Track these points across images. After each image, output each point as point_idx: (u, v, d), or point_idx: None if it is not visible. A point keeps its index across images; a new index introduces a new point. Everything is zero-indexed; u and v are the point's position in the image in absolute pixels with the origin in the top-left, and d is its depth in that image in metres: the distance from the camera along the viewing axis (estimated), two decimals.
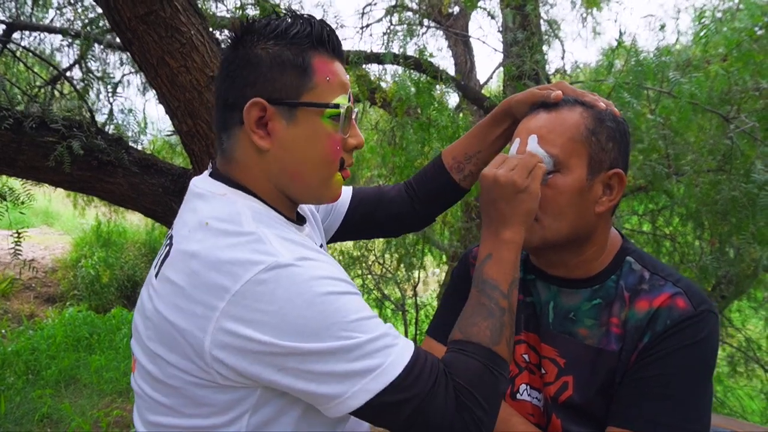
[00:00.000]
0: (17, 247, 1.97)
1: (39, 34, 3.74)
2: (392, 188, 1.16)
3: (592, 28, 5.04)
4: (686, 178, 2.83)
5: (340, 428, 0.80)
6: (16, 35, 3.27)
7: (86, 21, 3.38)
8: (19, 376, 4.13)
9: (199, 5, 2.29)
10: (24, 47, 3.34)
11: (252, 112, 0.74)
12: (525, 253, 1.01)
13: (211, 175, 0.81)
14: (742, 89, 2.71)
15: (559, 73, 4.03)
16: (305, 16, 0.78)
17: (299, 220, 0.87)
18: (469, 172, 1.10)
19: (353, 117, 0.82)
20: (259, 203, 0.77)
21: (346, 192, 1.12)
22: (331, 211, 1.09)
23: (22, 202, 2.08)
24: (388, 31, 4.08)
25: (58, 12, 3.69)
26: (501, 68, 4.27)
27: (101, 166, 2.15)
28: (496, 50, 5.41)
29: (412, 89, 3.05)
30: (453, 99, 4.49)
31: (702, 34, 3.02)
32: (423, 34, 4.45)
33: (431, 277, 5.91)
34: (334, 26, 0.82)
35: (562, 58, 4.50)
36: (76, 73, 3.69)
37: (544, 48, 3.96)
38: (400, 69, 3.70)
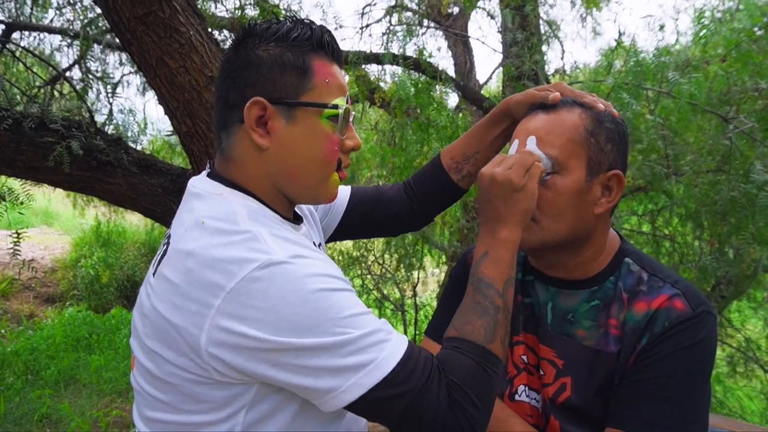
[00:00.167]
0: (16, 248, 1.97)
1: (38, 35, 3.75)
2: (391, 188, 1.16)
3: (592, 29, 5.04)
4: (685, 179, 2.83)
5: (336, 425, 0.80)
6: (15, 35, 3.27)
7: (85, 21, 3.38)
8: (18, 376, 4.13)
9: (198, 5, 2.29)
10: (23, 47, 3.34)
11: (252, 110, 0.76)
12: (524, 254, 1.01)
13: (208, 175, 0.82)
14: (741, 90, 2.71)
15: (558, 74, 4.03)
16: (306, 20, 0.80)
17: (296, 220, 0.88)
18: (468, 172, 1.10)
19: (351, 119, 0.84)
20: (255, 202, 0.78)
21: (345, 191, 1.13)
22: (330, 211, 1.10)
23: (21, 203, 2.08)
24: (388, 31, 4.08)
25: (57, 12, 3.70)
26: (500, 68, 4.27)
27: (100, 166, 2.15)
28: (495, 50, 5.42)
29: (411, 89, 3.05)
30: (452, 99, 4.50)
31: (701, 34, 3.03)
32: (422, 34, 4.44)
33: (431, 278, 5.91)
34: (333, 27, 0.84)
35: (562, 58, 4.49)
36: (76, 74, 3.69)
37: (544, 48, 3.96)
38: (399, 69, 3.70)
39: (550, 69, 4.06)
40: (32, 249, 7.43)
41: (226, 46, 2.27)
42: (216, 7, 3.01)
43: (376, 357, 0.68)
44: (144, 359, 0.74)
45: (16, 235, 1.98)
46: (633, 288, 0.86)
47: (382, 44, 3.90)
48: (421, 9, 4.61)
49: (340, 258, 4.58)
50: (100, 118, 3.20)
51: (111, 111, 3.27)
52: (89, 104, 3.53)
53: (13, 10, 3.29)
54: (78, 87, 3.11)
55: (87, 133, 2.13)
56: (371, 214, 1.13)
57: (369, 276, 4.65)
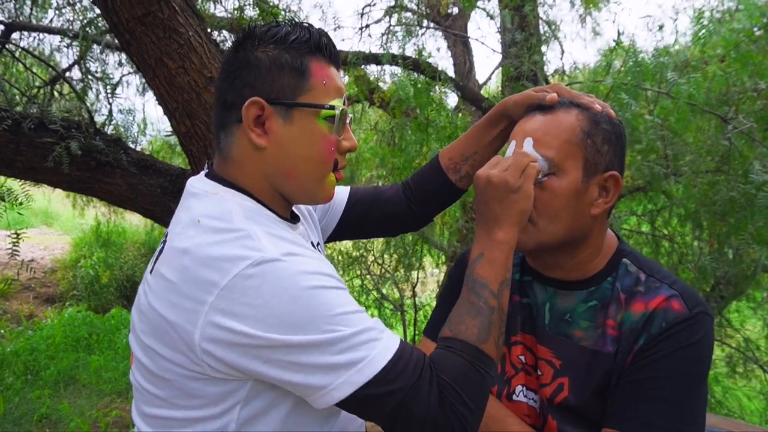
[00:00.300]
0: (14, 248, 1.97)
1: (38, 35, 3.75)
2: (389, 188, 1.17)
3: (592, 29, 5.03)
4: (685, 179, 2.83)
5: (330, 423, 0.81)
6: (15, 35, 3.27)
7: (85, 22, 3.38)
8: (18, 376, 4.14)
9: (198, 6, 2.29)
10: (22, 48, 3.34)
11: (250, 110, 0.77)
12: (522, 254, 1.01)
13: (207, 175, 0.83)
14: (740, 90, 2.71)
15: (557, 74, 4.03)
16: (304, 24, 0.82)
17: (293, 219, 0.89)
18: (466, 172, 1.10)
19: (347, 121, 0.85)
20: (251, 202, 0.79)
21: (344, 192, 1.14)
22: (328, 211, 1.11)
23: (20, 203, 2.08)
24: (387, 31, 4.08)
25: (57, 12, 3.70)
26: (500, 69, 4.27)
27: (99, 166, 2.15)
28: (494, 51, 5.42)
29: (411, 90, 3.05)
30: (452, 99, 4.50)
31: (700, 34, 3.03)
32: (422, 34, 4.45)
33: (430, 278, 5.91)
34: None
35: (561, 58, 4.50)
36: (76, 74, 3.69)
37: (543, 48, 3.96)
38: (398, 69, 3.70)
39: (549, 69, 4.06)
40: (32, 249, 7.44)
41: (225, 47, 2.27)
42: (215, 8, 3.01)
43: (366, 355, 0.68)
44: (141, 355, 0.75)
45: (15, 236, 1.98)
46: (630, 288, 0.86)
47: (381, 44, 3.91)
48: (420, 9, 4.61)
49: (340, 258, 4.58)
50: (100, 119, 3.20)
51: (111, 111, 3.27)
52: (89, 105, 3.53)
53: (13, 11, 3.29)
54: (78, 87, 3.10)
55: (86, 133, 2.13)
56: (369, 215, 1.13)
57: (368, 276, 4.65)
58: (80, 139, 2.08)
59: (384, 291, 4.79)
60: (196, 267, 0.68)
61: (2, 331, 5.22)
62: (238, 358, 0.67)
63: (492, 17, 4.71)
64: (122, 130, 3.77)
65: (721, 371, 3.95)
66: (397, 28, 4.23)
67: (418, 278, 4.45)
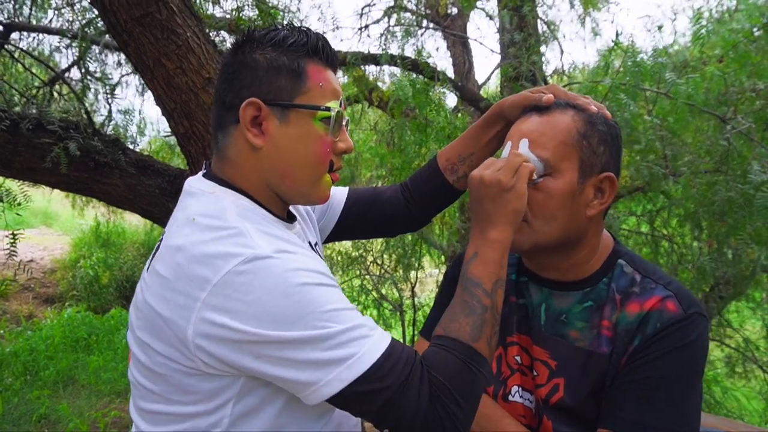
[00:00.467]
0: (12, 249, 1.97)
1: (37, 35, 3.75)
2: (388, 189, 1.17)
3: (591, 29, 5.03)
4: (683, 179, 2.83)
5: (324, 421, 0.81)
6: (14, 36, 3.27)
7: (84, 22, 3.38)
8: (17, 376, 4.14)
9: (196, 7, 2.29)
10: (21, 48, 3.34)
11: (248, 110, 0.78)
12: (518, 255, 1.01)
13: (204, 175, 0.85)
14: (739, 90, 2.71)
15: (556, 74, 4.03)
16: (303, 28, 0.83)
17: (290, 219, 0.90)
18: (463, 173, 1.10)
19: (344, 123, 0.86)
20: (247, 201, 0.80)
21: (342, 192, 1.14)
22: (327, 211, 1.11)
23: (19, 204, 2.08)
24: (386, 32, 4.08)
25: (56, 13, 3.70)
26: (499, 69, 4.27)
27: (98, 167, 2.15)
28: (493, 51, 5.42)
29: (409, 90, 3.05)
30: (451, 100, 4.50)
31: (701, 34, 3.02)
32: (421, 35, 4.45)
33: (429, 278, 5.91)
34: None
35: (561, 58, 4.50)
36: (75, 74, 3.70)
37: (543, 49, 3.96)
38: (397, 70, 3.71)
39: (548, 70, 4.06)
40: (31, 249, 7.44)
41: (224, 48, 2.27)
42: (213, 9, 3.01)
43: (356, 351, 0.69)
44: (138, 351, 0.76)
45: (12, 237, 1.98)
46: (626, 289, 0.86)
47: (379, 45, 3.91)
48: (419, 9, 4.61)
49: (339, 258, 4.58)
50: (99, 119, 3.20)
51: (110, 111, 3.27)
52: (88, 105, 3.53)
53: (12, 11, 3.29)
54: (77, 88, 3.11)
55: (84, 134, 2.13)
56: (368, 215, 1.14)
57: (368, 276, 4.66)
58: (78, 139, 2.08)
59: (383, 291, 4.79)
60: (189, 264, 0.69)
61: (1, 332, 5.22)
62: (229, 353, 0.68)
63: (491, 17, 4.72)
64: (121, 130, 3.77)
65: (720, 372, 3.95)
66: (396, 29, 4.24)
67: (417, 278, 4.45)
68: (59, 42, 3.46)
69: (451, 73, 4.73)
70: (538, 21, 4.02)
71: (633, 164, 2.94)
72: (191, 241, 0.71)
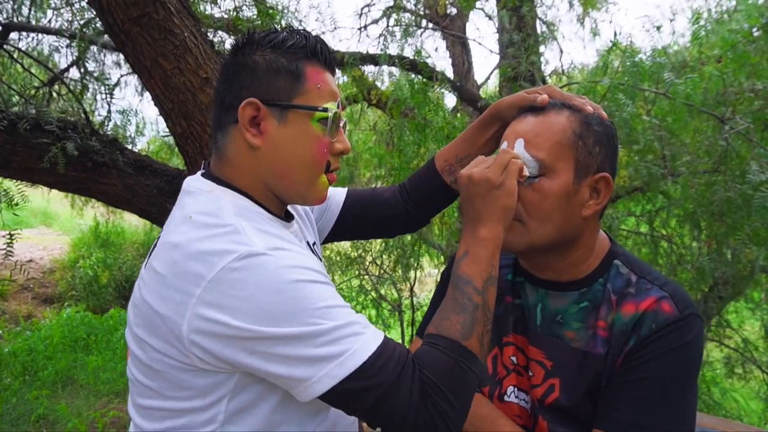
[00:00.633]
0: (9, 249, 1.97)
1: (36, 35, 3.75)
2: (386, 190, 1.18)
3: (591, 29, 5.03)
4: (682, 179, 2.83)
5: (319, 419, 0.82)
6: (13, 35, 3.27)
7: (83, 22, 3.38)
8: (15, 377, 4.14)
9: (195, 7, 2.29)
10: (19, 49, 3.34)
11: (246, 110, 0.79)
12: (514, 256, 1.01)
13: (203, 174, 0.86)
14: (737, 91, 2.71)
15: (555, 74, 4.03)
16: (302, 30, 0.85)
17: (287, 218, 0.91)
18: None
19: (341, 124, 0.87)
20: (245, 200, 0.81)
21: (341, 193, 1.15)
22: (325, 211, 1.12)
23: (16, 204, 2.08)
24: (385, 32, 4.08)
25: (55, 13, 3.70)
26: (498, 69, 4.27)
27: (96, 167, 2.15)
28: (492, 51, 5.42)
29: (408, 90, 3.05)
30: (450, 100, 4.50)
31: (700, 34, 3.02)
32: (420, 35, 4.45)
33: (428, 278, 5.91)
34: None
35: (560, 59, 4.50)
36: (75, 74, 3.70)
37: (542, 49, 3.96)
38: (396, 70, 3.71)
39: (548, 70, 4.06)
40: (31, 249, 7.44)
41: (221, 48, 2.27)
42: (211, 9, 3.01)
43: (348, 348, 0.69)
44: (135, 348, 0.77)
45: (9, 237, 1.98)
46: (621, 290, 0.86)
47: (378, 45, 3.91)
48: (418, 9, 4.61)
49: (338, 259, 4.58)
50: (99, 120, 3.20)
51: (110, 111, 3.27)
52: (87, 105, 3.53)
53: (10, 11, 3.29)
54: (75, 88, 3.10)
55: (82, 134, 2.13)
56: (366, 216, 1.14)
57: (366, 276, 4.66)
58: (76, 139, 2.08)
59: (382, 291, 4.79)
60: (185, 260, 0.70)
61: (0, 332, 5.22)
62: (223, 349, 0.69)
63: (490, 17, 4.72)
64: (121, 130, 3.77)
65: (719, 372, 3.95)
66: (396, 29, 4.24)
67: (416, 278, 4.45)
68: (56, 41, 3.46)
69: (450, 74, 4.73)
70: (538, 21, 4.02)
71: (632, 164, 2.94)
72: (188, 238, 0.72)
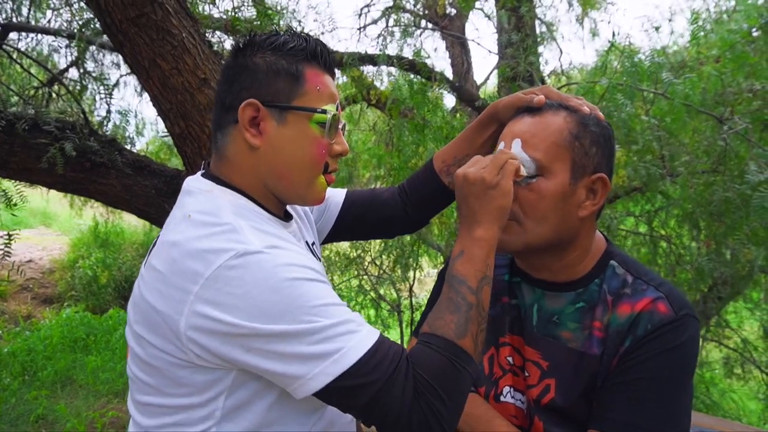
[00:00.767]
0: (6, 249, 1.97)
1: (36, 36, 3.75)
2: (385, 191, 1.18)
3: (590, 29, 5.03)
4: (681, 179, 2.83)
5: (315, 417, 0.82)
6: (13, 36, 3.27)
7: (82, 22, 3.38)
8: (15, 377, 4.14)
9: (193, 7, 2.29)
10: (17, 49, 3.34)
11: (246, 111, 0.81)
12: (511, 256, 1.01)
13: (203, 174, 0.87)
14: (735, 91, 2.71)
15: (554, 75, 4.03)
16: (302, 34, 0.86)
17: (286, 218, 0.92)
18: None
19: (340, 126, 0.88)
20: (244, 200, 0.82)
21: (340, 194, 1.15)
22: (325, 212, 1.13)
23: (15, 204, 2.08)
24: (383, 32, 4.08)
25: (55, 13, 3.70)
26: (497, 69, 4.27)
27: (94, 167, 2.15)
28: (490, 52, 5.42)
29: (406, 91, 3.06)
30: (450, 100, 4.50)
31: (699, 34, 3.02)
32: (419, 35, 4.45)
33: (428, 278, 5.91)
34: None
35: (560, 59, 4.50)
36: (74, 74, 3.70)
37: (541, 49, 3.96)
38: (395, 70, 3.71)
39: (547, 70, 4.06)
40: (30, 250, 7.44)
41: (219, 49, 2.27)
42: (209, 9, 3.01)
43: (343, 346, 0.70)
44: (134, 345, 0.78)
45: (7, 237, 1.98)
46: (617, 291, 0.86)
47: (377, 45, 3.91)
48: (417, 10, 4.61)
49: (337, 259, 4.58)
50: (97, 120, 3.20)
51: (109, 111, 3.27)
52: (87, 106, 3.53)
53: (9, 11, 3.29)
54: (74, 88, 3.10)
55: (80, 134, 2.13)
56: (365, 217, 1.15)
57: (366, 277, 4.65)
58: (74, 140, 2.08)
59: (381, 291, 4.79)
60: (183, 258, 0.71)
61: (0, 332, 5.22)
62: (220, 346, 0.70)
63: (489, 18, 4.72)
64: (120, 131, 3.77)
65: (718, 372, 3.95)
66: (395, 29, 4.24)
67: (415, 278, 4.45)
68: (54, 41, 3.46)
69: (449, 74, 4.73)
70: (537, 21, 4.02)
71: (630, 164, 2.93)
72: (186, 236, 0.73)
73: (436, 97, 3.30)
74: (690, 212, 2.98)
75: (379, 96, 3.85)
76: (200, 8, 2.77)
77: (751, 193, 2.38)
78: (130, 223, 7.99)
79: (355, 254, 4.61)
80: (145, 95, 4.26)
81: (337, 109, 0.86)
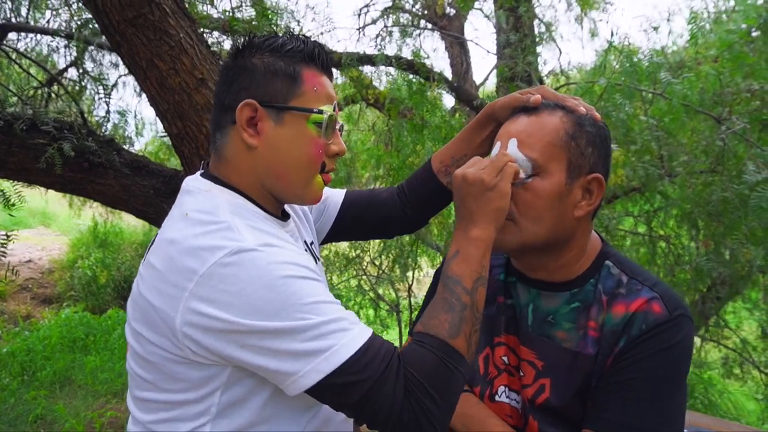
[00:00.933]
0: (2, 249, 1.96)
1: (35, 36, 3.75)
2: (384, 191, 1.19)
3: (589, 29, 5.03)
4: (679, 179, 2.83)
5: (310, 415, 0.83)
6: (12, 36, 3.27)
7: (80, 23, 3.38)
8: (14, 377, 4.14)
9: (191, 7, 2.29)
10: (17, 50, 3.34)
11: (244, 111, 0.82)
12: (507, 256, 1.01)
13: (202, 174, 0.88)
14: (734, 91, 2.71)
15: (553, 75, 4.03)
16: (301, 36, 0.88)
17: (284, 217, 0.93)
18: None
19: (337, 126, 0.89)
20: (241, 199, 0.84)
21: (339, 194, 1.16)
22: (323, 212, 1.13)
23: (13, 204, 2.08)
24: (382, 32, 4.08)
25: (54, 13, 3.70)
26: (496, 69, 4.27)
27: (92, 167, 2.15)
28: (489, 52, 5.42)
29: (405, 91, 3.06)
30: (449, 100, 4.50)
31: (696, 34, 3.02)
32: (418, 35, 4.45)
33: (427, 278, 5.91)
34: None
35: (559, 59, 4.50)
36: (74, 74, 3.70)
37: (540, 49, 3.96)
38: (393, 70, 3.71)
39: (546, 70, 4.06)
40: (29, 250, 7.44)
41: (217, 48, 2.27)
42: (206, 9, 3.01)
43: (335, 344, 0.70)
44: (133, 342, 0.80)
45: (5, 237, 1.98)
46: (612, 291, 0.86)
47: (375, 45, 3.91)
48: (416, 10, 4.61)
49: (336, 259, 4.58)
50: (96, 120, 3.20)
51: (108, 112, 3.27)
52: (86, 106, 3.53)
53: (8, 12, 3.29)
54: (72, 89, 3.10)
55: (79, 134, 2.13)
56: (363, 217, 1.15)
57: (365, 277, 4.65)
58: (73, 140, 2.08)
59: (380, 291, 4.79)
60: (180, 256, 0.72)
61: None
62: (215, 342, 0.71)
63: (489, 18, 4.72)
64: (120, 130, 3.77)
65: (717, 372, 3.95)
66: (394, 29, 4.24)
67: (414, 278, 4.45)
68: (52, 41, 3.46)
69: (449, 74, 4.73)
70: (536, 21, 4.02)
71: (629, 165, 2.94)
72: (183, 234, 0.74)
73: (435, 97, 3.30)
74: (688, 212, 2.98)
75: (377, 95, 3.85)
76: (199, 8, 2.77)
77: (749, 193, 2.38)
78: (129, 223, 7.99)
79: (354, 254, 4.61)
80: (145, 95, 4.26)
81: (334, 110, 0.87)
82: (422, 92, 3.12)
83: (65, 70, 3.71)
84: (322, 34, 3.69)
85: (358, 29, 4.47)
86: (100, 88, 3.51)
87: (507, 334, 0.95)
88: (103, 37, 3.20)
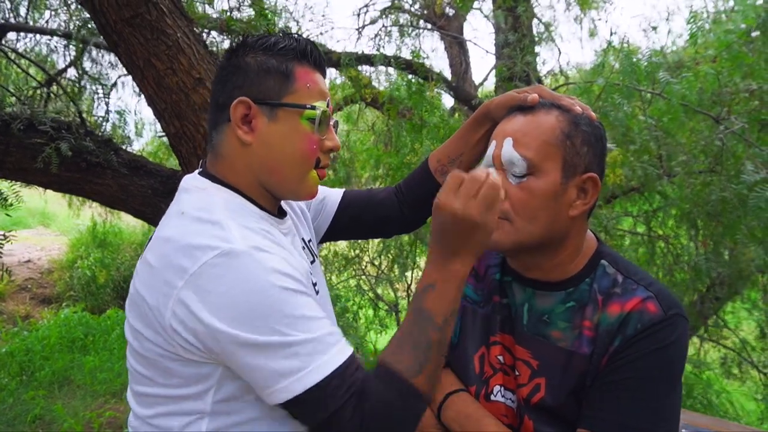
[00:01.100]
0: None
1: (34, 36, 3.75)
2: (382, 191, 1.19)
3: (589, 29, 5.02)
4: (678, 179, 2.83)
5: None
6: (11, 36, 3.27)
7: (79, 23, 3.38)
8: (12, 377, 4.13)
9: (191, 7, 2.29)
10: (16, 50, 3.34)
11: (238, 109, 0.83)
12: (502, 255, 1.01)
13: (200, 173, 0.90)
14: (733, 91, 2.71)
15: (552, 75, 4.03)
16: (294, 34, 0.89)
17: (280, 214, 0.94)
18: None
19: (330, 123, 0.90)
20: (237, 197, 0.85)
21: (337, 194, 1.16)
22: (321, 211, 1.14)
23: (10, 204, 2.08)
24: (380, 32, 4.08)
25: (53, 13, 3.70)
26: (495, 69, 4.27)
27: (90, 167, 2.15)
28: (488, 52, 5.42)
29: (404, 91, 3.06)
30: (448, 100, 4.50)
31: (695, 33, 3.02)
32: (417, 35, 4.45)
33: None
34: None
35: (558, 59, 4.50)
36: (73, 74, 3.70)
37: (538, 49, 3.96)
38: (392, 70, 3.71)
39: (545, 70, 4.06)
40: (29, 250, 7.44)
41: (215, 48, 2.27)
42: (204, 9, 3.01)
43: (306, 366, 0.71)
44: (131, 338, 0.81)
45: (2, 237, 1.98)
46: (607, 290, 0.86)
47: (374, 45, 3.91)
48: (415, 11, 4.61)
49: (335, 259, 4.58)
50: (95, 120, 3.20)
51: (107, 112, 3.27)
52: (85, 106, 3.53)
53: (6, 12, 3.29)
54: (72, 89, 3.10)
55: (76, 134, 2.13)
56: (361, 217, 1.16)
57: (364, 277, 4.65)
58: (70, 140, 2.08)
59: (379, 291, 4.79)
60: (174, 254, 0.74)
61: None
62: (198, 342, 0.72)
63: (488, 18, 4.72)
64: (119, 130, 3.77)
65: (716, 372, 3.94)
66: (393, 29, 4.24)
67: (412, 278, 4.45)
68: (49, 41, 3.46)
69: (448, 74, 4.73)
70: (535, 21, 4.02)
71: (628, 164, 2.93)
72: (178, 232, 0.76)
73: (434, 97, 3.30)
74: (687, 212, 2.98)
75: (375, 95, 3.85)
76: (198, 8, 2.77)
77: (747, 193, 2.38)
78: (129, 223, 7.99)
79: (353, 254, 4.61)
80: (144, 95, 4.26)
81: (327, 106, 0.88)
82: (421, 92, 3.12)
83: (64, 70, 3.71)
84: (321, 34, 3.70)
85: (357, 29, 4.48)
86: (99, 88, 3.50)
87: (502, 334, 0.95)
88: (102, 38, 3.21)
